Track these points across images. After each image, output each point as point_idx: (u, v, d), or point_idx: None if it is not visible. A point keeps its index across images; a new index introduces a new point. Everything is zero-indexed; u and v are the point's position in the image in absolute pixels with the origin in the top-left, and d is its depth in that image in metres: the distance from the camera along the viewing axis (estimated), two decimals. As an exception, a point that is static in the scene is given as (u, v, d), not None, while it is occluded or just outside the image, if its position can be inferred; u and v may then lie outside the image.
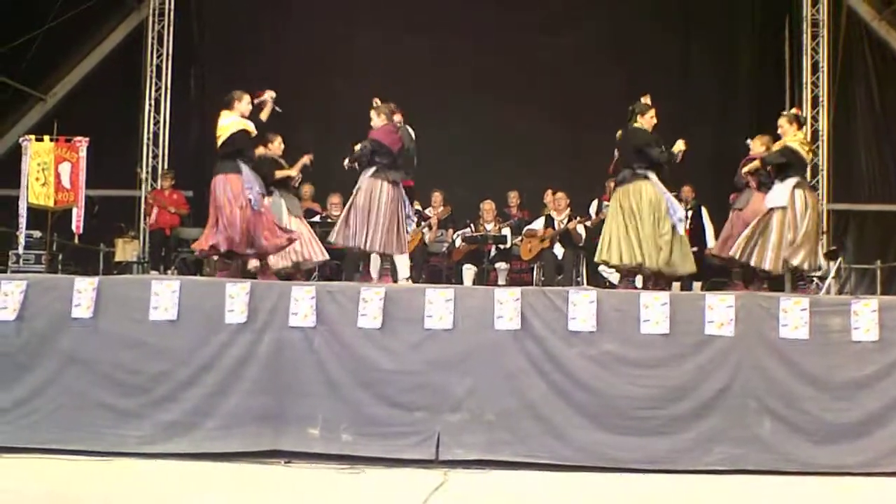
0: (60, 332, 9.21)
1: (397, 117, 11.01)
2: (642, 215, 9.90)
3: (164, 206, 14.93)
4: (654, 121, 10.28)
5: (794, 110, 11.03)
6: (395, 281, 10.80)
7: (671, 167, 10.27)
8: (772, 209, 10.06)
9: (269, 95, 10.42)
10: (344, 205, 13.06)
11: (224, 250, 9.92)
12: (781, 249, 9.94)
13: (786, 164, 10.16)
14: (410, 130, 11.46)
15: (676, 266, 10.03)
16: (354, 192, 10.42)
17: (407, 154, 11.10)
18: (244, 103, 10.12)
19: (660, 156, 10.05)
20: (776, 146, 10.39)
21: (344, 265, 12.64)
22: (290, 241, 10.27)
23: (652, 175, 10.03)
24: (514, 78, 16.17)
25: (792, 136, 10.27)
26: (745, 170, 10.91)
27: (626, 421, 8.79)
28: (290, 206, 11.06)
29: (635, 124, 10.23)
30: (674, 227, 9.95)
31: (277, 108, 10.41)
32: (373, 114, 10.60)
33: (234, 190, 9.84)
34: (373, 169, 10.34)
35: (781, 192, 10.04)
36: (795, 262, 9.90)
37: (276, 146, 11.22)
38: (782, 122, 10.41)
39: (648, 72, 15.40)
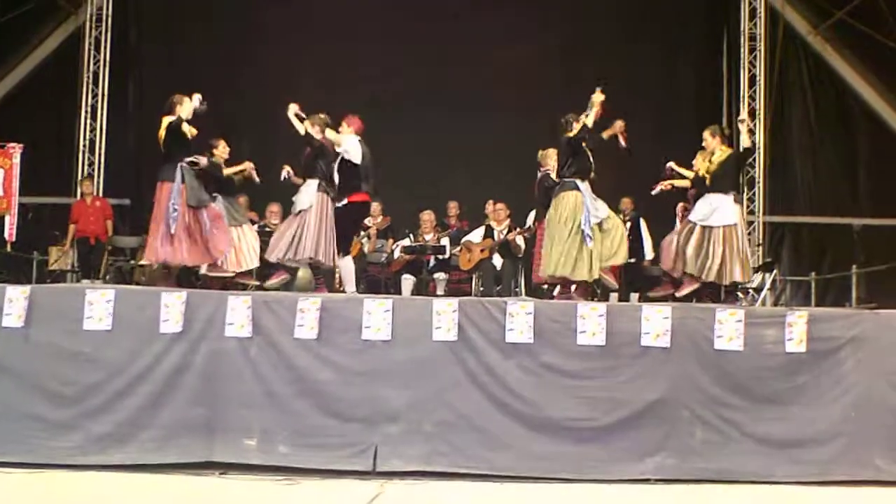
0: (-10, 341, 9.06)
1: (352, 129, 10.90)
2: (564, 225, 9.97)
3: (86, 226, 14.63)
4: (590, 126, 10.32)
5: (742, 115, 11.14)
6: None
7: (612, 176, 10.34)
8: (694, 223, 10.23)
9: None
10: (283, 215, 13.07)
11: (166, 260, 9.86)
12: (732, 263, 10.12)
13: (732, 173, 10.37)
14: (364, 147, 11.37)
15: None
16: (301, 209, 10.34)
17: (363, 168, 11.07)
18: (186, 107, 10.02)
19: (584, 134, 10.10)
20: (715, 159, 10.52)
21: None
22: (215, 259, 10.22)
23: (581, 183, 10.08)
24: (454, 89, 16.18)
25: (719, 149, 10.43)
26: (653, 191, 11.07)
27: (562, 431, 8.82)
28: (233, 213, 10.94)
29: (568, 135, 10.26)
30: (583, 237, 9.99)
31: (202, 105, 10.27)
32: (307, 125, 10.47)
33: (168, 199, 9.78)
34: (316, 183, 10.28)
35: (702, 206, 10.20)
36: (713, 275, 10.10)
37: (221, 150, 11.16)
38: (706, 134, 10.61)
39: (588, 84, 15.42)
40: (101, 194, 15.52)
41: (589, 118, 10.12)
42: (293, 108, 10.43)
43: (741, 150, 10.87)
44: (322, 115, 10.59)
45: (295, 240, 10.18)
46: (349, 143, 10.59)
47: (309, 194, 10.28)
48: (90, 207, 14.80)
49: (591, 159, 10.26)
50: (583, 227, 9.94)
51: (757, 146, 16.09)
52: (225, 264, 10.57)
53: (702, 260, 10.24)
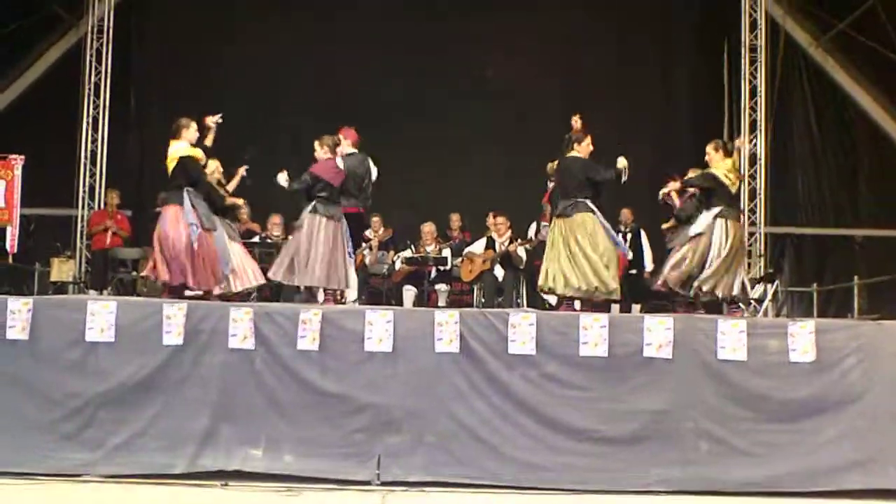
0: (-6, 353, 9.07)
1: (345, 145, 10.94)
2: (587, 245, 10.01)
3: (106, 229, 14.63)
4: (591, 148, 10.38)
5: (737, 141, 11.07)
6: (341, 302, 10.74)
7: (612, 187, 10.34)
8: (693, 236, 10.18)
9: (212, 121, 10.37)
10: (285, 225, 13.09)
11: (170, 282, 9.89)
12: (689, 273, 10.05)
13: (710, 192, 10.26)
14: (371, 163, 11.38)
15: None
16: (295, 229, 10.38)
17: (363, 184, 11.09)
18: (192, 131, 10.09)
19: (607, 174, 10.13)
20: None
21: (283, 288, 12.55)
22: (220, 282, 10.19)
23: (593, 205, 10.16)
24: (457, 101, 16.20)
25: (719, 163, 10.35)
26: (662, 190, 10.98)
27: (565, 443, 8.82)
28: (229, 232, 10.91)
29: (572, 153, 10.28)
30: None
31: (217, 121, 10.34)
32: (316, 145, 10.58)
33: (175, 222, 9.81)
34: (311, 205, 10.32)
35: (703, 219, 10.16)
36: (705, 287, 10.00)
37: (211, 170, 11.11)
38: (709, 148, 10.52)
39: (589, 96, 15.50)
40: (102, 206, 15.49)
41: (621, 178, 10.17)
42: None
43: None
44: (333, 137, 10.67)
45: (292, 263, 10.32)
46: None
47: (302, 215, 10.41)
48: (111, 219, 14.79)
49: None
50: (615, 239, 10.14)
51: (758, 157, 16.09)
52: (228, 285, 10.54)
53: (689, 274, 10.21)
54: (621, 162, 10.21)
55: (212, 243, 10.04)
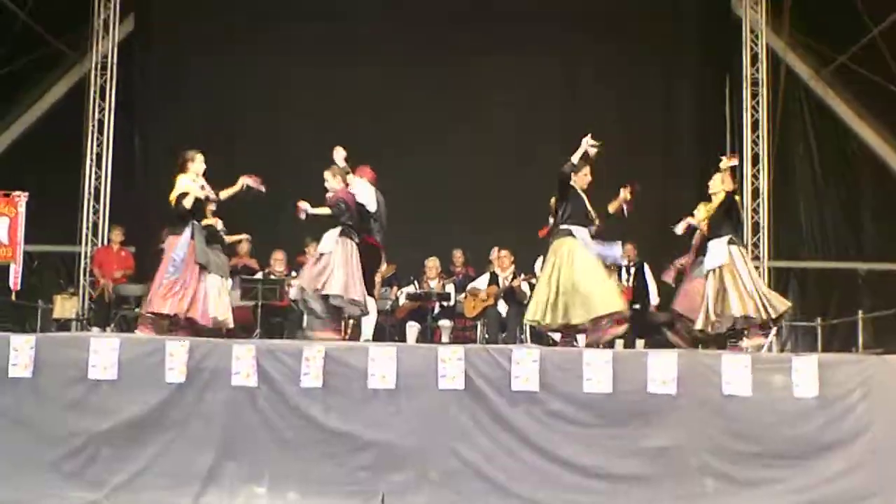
0: (-3, 390, 9.06)
1: (363, 182, 11.00)
2: (561, 270, 9.92)
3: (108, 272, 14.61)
4: (589, 178, 10.28)
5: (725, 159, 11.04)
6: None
7: (615, 222, 10.32)
8: (712, 269, 10.15)
9: (250, 183, 10.44)
10: (288, 262, 13.10)
11: (163, 312, 9.95)
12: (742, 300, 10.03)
13: (723, 219, 10.31)
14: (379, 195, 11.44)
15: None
16: (327, 250, 10.41)
17: (375, 216, 11.14)
18: (198, 163, 10.14)
19: (566, 168, 10.08)
20: (712, 204, 10.49)
21: (286, 323, 12.56)
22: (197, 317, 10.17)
23: (578, 230, 10.05)
24: (460, 135, 16.22)
25: (722, 192, 10.41)
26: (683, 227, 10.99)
27: (570, 479, 8.77)
28: (217, 265, 10.75)
29: (570, 183, 10.22)
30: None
31: (260, 188, 10.42)
32: (328, 175, 10.65)
33: (170, 252, 9.90)
34: (339, 229, 10.35)
35: (719, 250, 10.15)
36: (750, 312, 10.00)
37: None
38: (716, 177, 10.57)
39: (591, 130, 15.46)
40: (105, 243, 15.50)
41: (574, 156, 10.08)
42: (340, 154, 10.73)
43: (725, 192, 10.68)
44: (344, 167, 10.71)
45: (320, 274, 10.34)
46: (361, 189, 10.71)
47: (330, 239, 10.44)
48: (115, 255, 14.78)
49: (587, 205, 10.22)
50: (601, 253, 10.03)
51: (761, 190, 16.10)
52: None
53: (703, 312, 10.19)
54: (623, 195, 10.22)
55: (208, 280, 10.07)
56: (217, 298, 10.36)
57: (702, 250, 10.73)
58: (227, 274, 10.86)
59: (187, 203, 9.98)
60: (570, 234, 10.04)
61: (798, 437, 8.83)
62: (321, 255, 10.47)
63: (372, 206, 10.89)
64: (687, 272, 11.19)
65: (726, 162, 10.70)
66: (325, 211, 10.71)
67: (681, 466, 8.75)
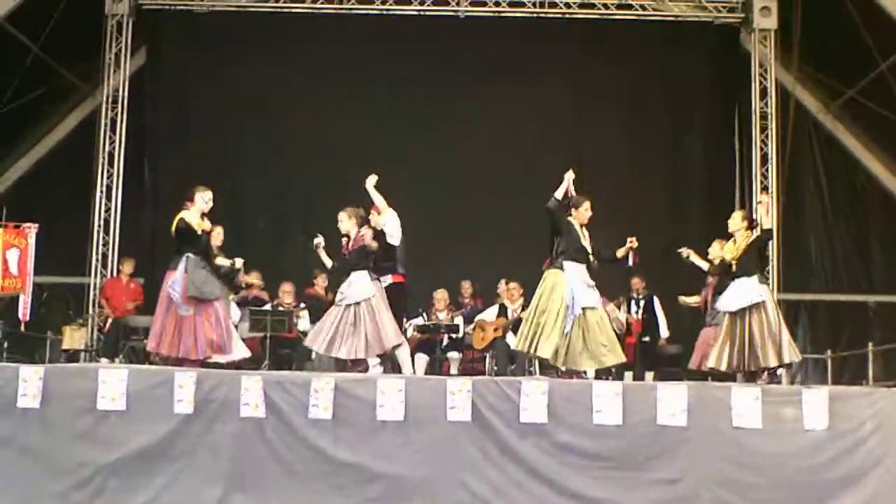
0: (6, 422, 9.02)
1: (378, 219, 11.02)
2: (542, 305, 9.87)
3: (118, 304, 14.60)
4: (589, 213, 10.20)
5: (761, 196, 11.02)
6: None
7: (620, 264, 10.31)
8: (749, 307, 10.06)
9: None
10: (296, 294, 13.10)
11: (152, 349, 9.99)
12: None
13: (757, 257, 10.31)
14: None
15: (573, 361, 9.85)
16: (357, 300, 10.30)
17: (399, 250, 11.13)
18: (203, 200, 10.16)
19: (550, 203, 10.05)
20: (740, 244, 10.42)
21: (295, 354, 12.54)
22: (208, 357, 10.11)
23: (570, 266, 9.97)
24: (469, 167, 16.24)
25: (744, 233, 10.37)
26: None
27: (580, 512, 8.73)
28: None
29: (568, 218, 10.18)
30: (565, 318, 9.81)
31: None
32: (344, 216, 10.55)
33: (166, 286, 9.97)
34: (367, 272, 10.32)
35: (751, 289, 10.07)
36: (774, 362, 9.97)
37: (215, 236, 11.06)
38: (736, 216, 10.55)
39: (599, 164, 15.54)
40: (115, 274, 15.52)
41: (559, 192, 10.07)
42: (372, 180, 10.70)
43: (763, 230, 10.72)
44: (358, 209, 10.67)
45: (340, 333, 10.21)
46: (393, 222, 10.73)
47: (364, 285, 10.29)
48: (125, 287, 14.78)
49: (582, 240, 10.14)
50: (569, 310, 9.78)
51: (771, 224, 16.07)
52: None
53: (737, 351, 10.04)
54: (567, 177, 10.16)
55: (207, 312, 10.06)
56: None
57: (718, 291, 10.70)
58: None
59: (184, 234, 10.01)
60: (560, 267, 10.00)
61: (809, 469, 8.83)
62: (352, 304, 10.32)
63: (396, 241, 10.90)
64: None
65: (764, 197, 10.72)
66: (329, 262, 10.71)
67: (692, 498, 8.73)
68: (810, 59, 16.66)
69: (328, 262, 10.78)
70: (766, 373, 10.16)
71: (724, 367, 10.08)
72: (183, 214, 10.09)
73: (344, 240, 10.61)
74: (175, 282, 9.95)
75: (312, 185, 15.43)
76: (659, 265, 13.94)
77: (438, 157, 16.27)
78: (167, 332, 9.96)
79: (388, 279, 10.81)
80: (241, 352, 10.43)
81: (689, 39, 16.92)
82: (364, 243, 10.42)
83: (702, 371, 10.97)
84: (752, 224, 10.51)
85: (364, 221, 10.70)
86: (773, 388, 9.61)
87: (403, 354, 10.55)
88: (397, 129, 16.32)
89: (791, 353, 10.03)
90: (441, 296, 14.06)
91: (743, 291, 10.12)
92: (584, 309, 9.84)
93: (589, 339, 9.85)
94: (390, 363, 10.55)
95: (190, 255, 10.03)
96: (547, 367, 10.51)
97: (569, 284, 9.83)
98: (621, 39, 16.66)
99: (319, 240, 10.70)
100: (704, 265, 11.09)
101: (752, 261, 10.32)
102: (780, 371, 11.94)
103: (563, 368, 9.85)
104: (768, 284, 10.31)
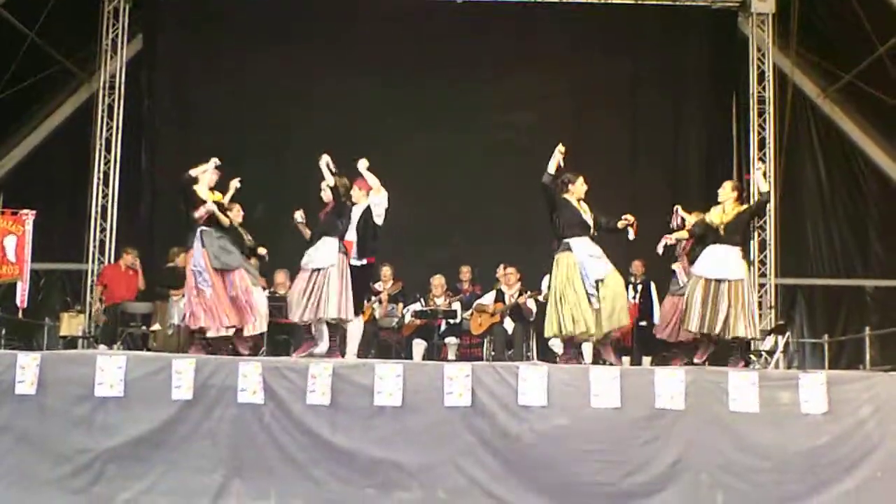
0: (3, 408, 9.03)
1: (363, 192, 10.97)
2: (565, 286, 9.80)
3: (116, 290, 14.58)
4: (584, 187, 10.13)
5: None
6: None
7: (622, 240, 10.28)
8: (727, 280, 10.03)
9: (233, 185, 10.46)
10: (291, 280, 13.05)
11: (191, 326, 9.94)
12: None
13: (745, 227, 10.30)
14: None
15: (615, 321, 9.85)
16: (319, 266, 10.25)
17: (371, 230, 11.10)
18: (208, 172, 10.16)
19: (544, 178, 10.02)
20: (729, 210, 10.37)
21: (292, 340, 12.52)
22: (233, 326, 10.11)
23: (576, 242, 9.91)
24: (467, 153, 16.24)
25: (733, 203, 10.32)
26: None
27: (579, 497, 8.76)
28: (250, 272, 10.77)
29: (565, 195, 10.15)
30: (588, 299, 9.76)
31: (236, 185, 10.42)
32: (325, 185, 10.53)
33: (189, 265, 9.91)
34: (335, 241, 10.21)
35: (733, 261, 10.03)
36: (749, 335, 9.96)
37: (235, 214, 11.10)
38: (727, 185, 10.49)
39: (598, 148, 15.53)
40: (112, 261, 15.50)
41: (550, 166, 10.04)
42: (325, 159, 10.48)
43: (760, 193, 10.69)
44: (344, 179, 10.62)
45: (316, 299, 10.11)
46: (384, 203, 10.72)
47: (329, 252, 10.16)
48: (123, 274, 14.74)
49: (581, 214, 10.08)
50: (587, 290, 9.76)
51: (768, 208, 16.07)
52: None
53: (709, 315, 9.96)
54: (557, 150, 10.11)
55: (232, 282, 10.05)
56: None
57: (691, 260, 10.67)
58: (256, 284, 10.82)
59: (192, 189, 10.01)
60: (568, 248, 9.97)
61: (807, 452, 8.85)
62: (315, 270, 10.29)
63: (380, 220, 10.86)
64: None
65: (760, 164, 10.68)
66: (307, 232, 10.67)
67: (691, 481, 8.76)
68: (808, 44, 16.64)
69: (308, 236, 10.72)
70: (750, 353, 10.17)
71: (705, 329, 9.92)
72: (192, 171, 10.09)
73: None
74: (195, 261, 9.89)
75: (310, 173, 15.39)
76: (655, 251, 13.93)
77: (436, 143, 16.25)
78: (219, 307, 9.92)
79: (363, 261, 10.76)
80: (262, 326, 10.53)
81: (686, 24, 16.90)
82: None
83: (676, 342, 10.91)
84: (741, 196, 10.48)
85: (346, 192, 10.60)
86: (770, 373, 9.66)
87: (356, 330, 10.52)
88: (395, 116, 16.29)
89: (753, 332, 9.99)
90: (438, 281, 14.03)
91: (723, 262, 9.97)
92: (596, 281, 9.83)
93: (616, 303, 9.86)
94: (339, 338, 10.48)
95: (202, 228, 9.99)
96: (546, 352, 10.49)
97: (579, 264, 9.80)
98: (619, 24, 16.64)
99: (300, 214, 10.68)
100: (685, 234, 10.99)
101: (740, 232, 10.23)
102: (777, 356, 11.97)
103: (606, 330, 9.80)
104: (748, 261, 10.19)
